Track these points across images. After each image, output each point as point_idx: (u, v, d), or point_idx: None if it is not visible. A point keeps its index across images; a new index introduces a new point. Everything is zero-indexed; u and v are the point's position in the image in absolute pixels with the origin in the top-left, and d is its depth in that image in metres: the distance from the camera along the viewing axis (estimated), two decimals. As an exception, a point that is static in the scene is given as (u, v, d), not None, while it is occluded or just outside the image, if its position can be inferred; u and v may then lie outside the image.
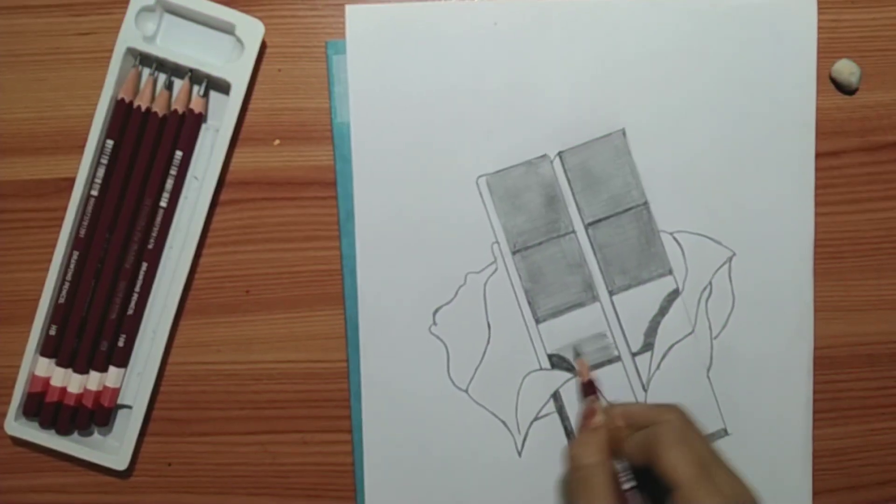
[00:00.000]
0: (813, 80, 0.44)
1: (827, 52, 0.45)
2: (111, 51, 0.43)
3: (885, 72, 0.45)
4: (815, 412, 0.44)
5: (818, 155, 0.45)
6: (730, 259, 0.44)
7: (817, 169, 0.44)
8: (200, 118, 0.44)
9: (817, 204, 0.45)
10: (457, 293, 0.44)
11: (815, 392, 0.44)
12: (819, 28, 0.44)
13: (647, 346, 0.44)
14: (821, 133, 0.45)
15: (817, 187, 0.45)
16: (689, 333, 0.44)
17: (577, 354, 0.44)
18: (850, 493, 0.45)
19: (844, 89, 0.45)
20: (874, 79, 0.45)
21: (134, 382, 0.44)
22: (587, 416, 0.40)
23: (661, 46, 0.44)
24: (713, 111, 0.44)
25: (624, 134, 0.44)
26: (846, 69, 0.44)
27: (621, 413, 0.39)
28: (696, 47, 0.44)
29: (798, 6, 0.44)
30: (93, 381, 0.43)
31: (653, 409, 0.39)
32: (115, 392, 0.44)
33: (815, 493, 0.44)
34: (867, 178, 0.45)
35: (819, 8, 0.44)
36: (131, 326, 0.44)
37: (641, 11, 0.44)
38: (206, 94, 0.44)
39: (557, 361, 0.44)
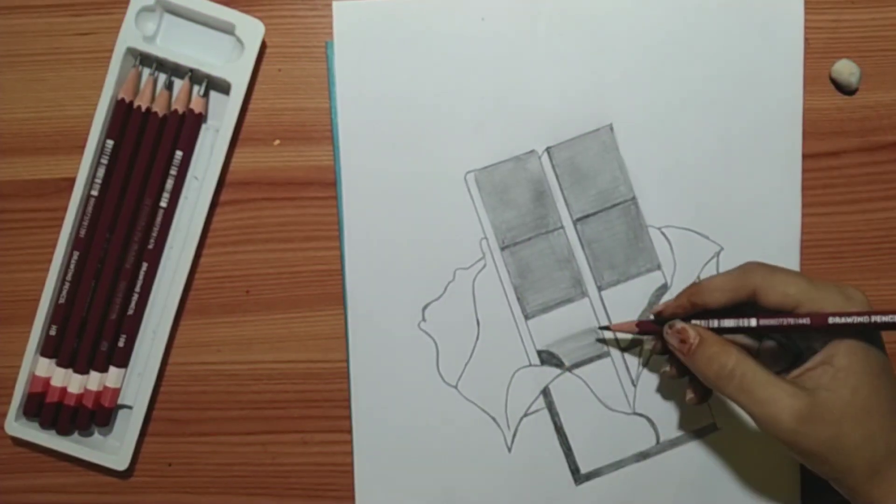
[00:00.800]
0: (800, 76, 0.44)
1: (827, 52, 0.45)
2: (111, 51, 0.43)
3: (885, 72, 0.45)
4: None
5: (818, 155, 0.45)
6: (717, 254, 0.44)
7: (817, 169, 0.45)
8: (200, 118, 0.44)
9: (817, 204, 0.45)
10: (446, 289, 0.44)
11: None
12: (819, 28, 0.45)
13: (636, 341, 0.44)
14: (821, 133, 0.45)
15: (816, 187, 0.45)
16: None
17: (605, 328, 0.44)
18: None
19: (844, 89, 0.45)
20: (874, 79, 0.45)
21: (134, 382, 0.44)
22: (682, 341, 0.38)
23: (650, 42, 0.44)
24: (701, 107, 0.44)
25: (612, 129, 0.44)
26: (846, 69, 0.44)
27: (703, 299, 0.38)
28: (684, 43, 0.44)
29: (785, 3, 0.44)
30: (93, 381, 0.43)
31: (730, 274, 0.38)
32: (116, 392, 0.44)
33: (805, 490, 0.44)
34: (867, 178, 0.45)
35: (819, 8, 0.44)
36: (131, 326, 0.44)
37: (630, 7, 0.44)
38: (206, 94, 0.44)
39: (547, 357, 0.44)
